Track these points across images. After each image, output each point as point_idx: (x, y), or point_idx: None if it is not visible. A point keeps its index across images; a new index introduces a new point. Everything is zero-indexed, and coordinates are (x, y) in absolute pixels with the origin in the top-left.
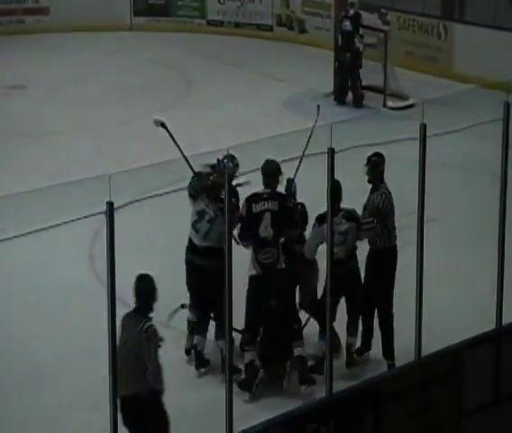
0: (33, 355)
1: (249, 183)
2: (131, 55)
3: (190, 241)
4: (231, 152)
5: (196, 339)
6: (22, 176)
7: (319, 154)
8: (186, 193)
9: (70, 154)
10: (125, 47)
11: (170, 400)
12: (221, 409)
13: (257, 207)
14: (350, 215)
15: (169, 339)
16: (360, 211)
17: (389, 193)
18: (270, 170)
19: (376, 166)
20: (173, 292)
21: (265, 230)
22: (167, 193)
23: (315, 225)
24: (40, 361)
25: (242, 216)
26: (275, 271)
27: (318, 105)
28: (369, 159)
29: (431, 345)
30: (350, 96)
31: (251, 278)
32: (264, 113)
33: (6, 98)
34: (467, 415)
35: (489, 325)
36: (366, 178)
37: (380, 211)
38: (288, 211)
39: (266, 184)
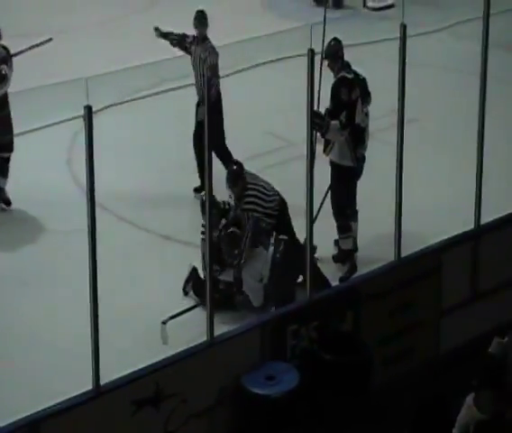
0: (14, 264)
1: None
2: None
3: None
4: None
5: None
6: None
7: (299, 56)
8: (165, 96)
9: (48, 57)
10: None
11: None
12: None
13: (354, 94)
14: None
15: None
16: None
17: None
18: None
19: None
20: (154, 196)
21: (358, 116)
22: (147, 96)
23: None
24: (22, 267)
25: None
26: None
27: None
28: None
29: (411, 246)
30: None
31: (348, 169)
32: (242, 13)
33: None
34: (446, 313)
35: (469, 225)
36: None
37: None
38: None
39: (348, 66)
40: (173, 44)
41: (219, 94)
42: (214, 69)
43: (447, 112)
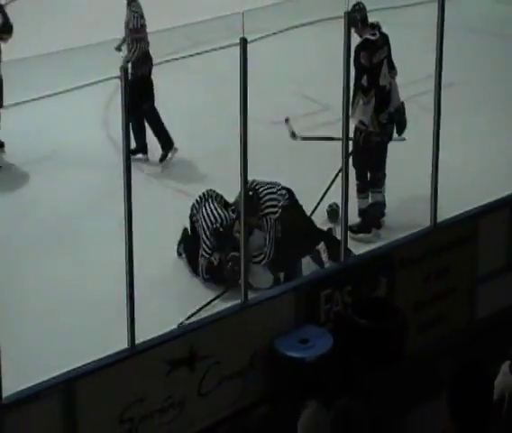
0: (49, 221)
1: None
2: None
3: None
4: None
5: None
6: (36, 39)
7: (335, 19)
8: (196, 61)
9: (86, 18)
10: None
11: None
12: None
13: (376, 57)
14: None
15: None
16: None
17: None
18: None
19: None
20: (194, 151)
21: (384, 78)
22: (183, 57)
23: None
24: (55, 226)
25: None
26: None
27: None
28: None
29: (447, 211)
30: None
31: (370, 134)
32: None
33: None
34: (481, 280)
35: (507, 191)
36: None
37: None
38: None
39: (371, 25)
40: None
41: (145, 56)
42: (135, 32)
43: (485, 76)
